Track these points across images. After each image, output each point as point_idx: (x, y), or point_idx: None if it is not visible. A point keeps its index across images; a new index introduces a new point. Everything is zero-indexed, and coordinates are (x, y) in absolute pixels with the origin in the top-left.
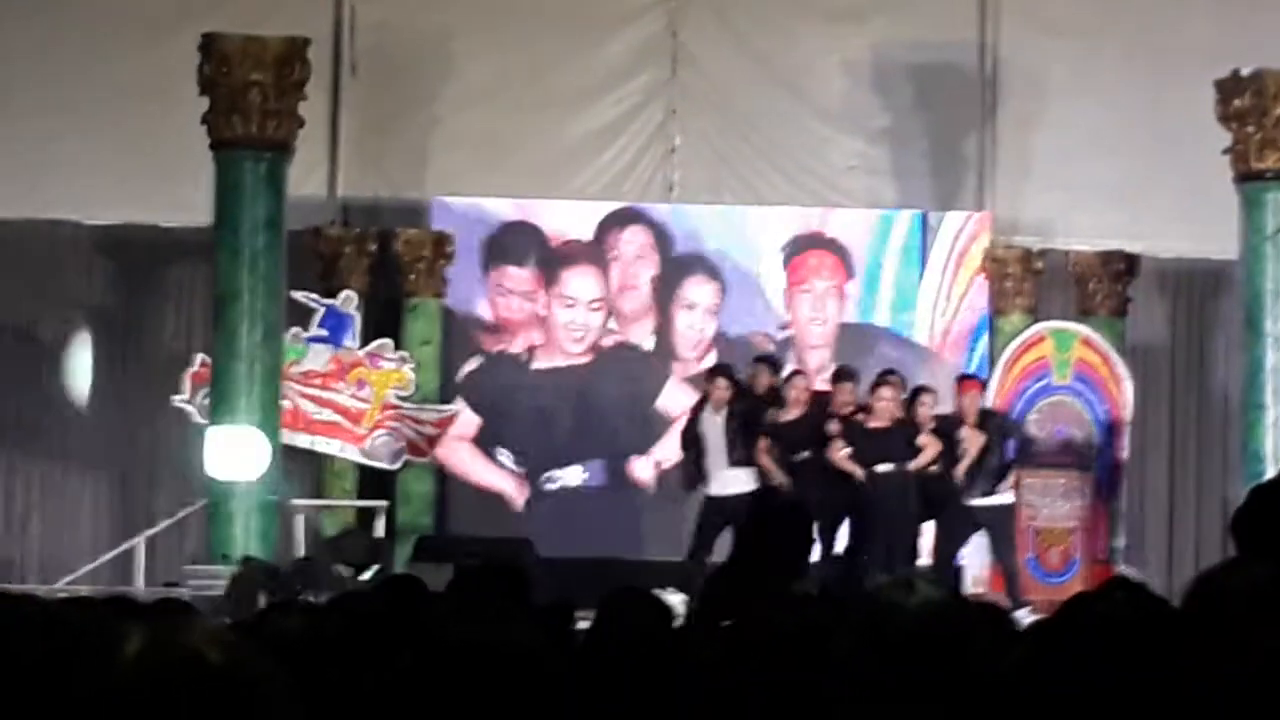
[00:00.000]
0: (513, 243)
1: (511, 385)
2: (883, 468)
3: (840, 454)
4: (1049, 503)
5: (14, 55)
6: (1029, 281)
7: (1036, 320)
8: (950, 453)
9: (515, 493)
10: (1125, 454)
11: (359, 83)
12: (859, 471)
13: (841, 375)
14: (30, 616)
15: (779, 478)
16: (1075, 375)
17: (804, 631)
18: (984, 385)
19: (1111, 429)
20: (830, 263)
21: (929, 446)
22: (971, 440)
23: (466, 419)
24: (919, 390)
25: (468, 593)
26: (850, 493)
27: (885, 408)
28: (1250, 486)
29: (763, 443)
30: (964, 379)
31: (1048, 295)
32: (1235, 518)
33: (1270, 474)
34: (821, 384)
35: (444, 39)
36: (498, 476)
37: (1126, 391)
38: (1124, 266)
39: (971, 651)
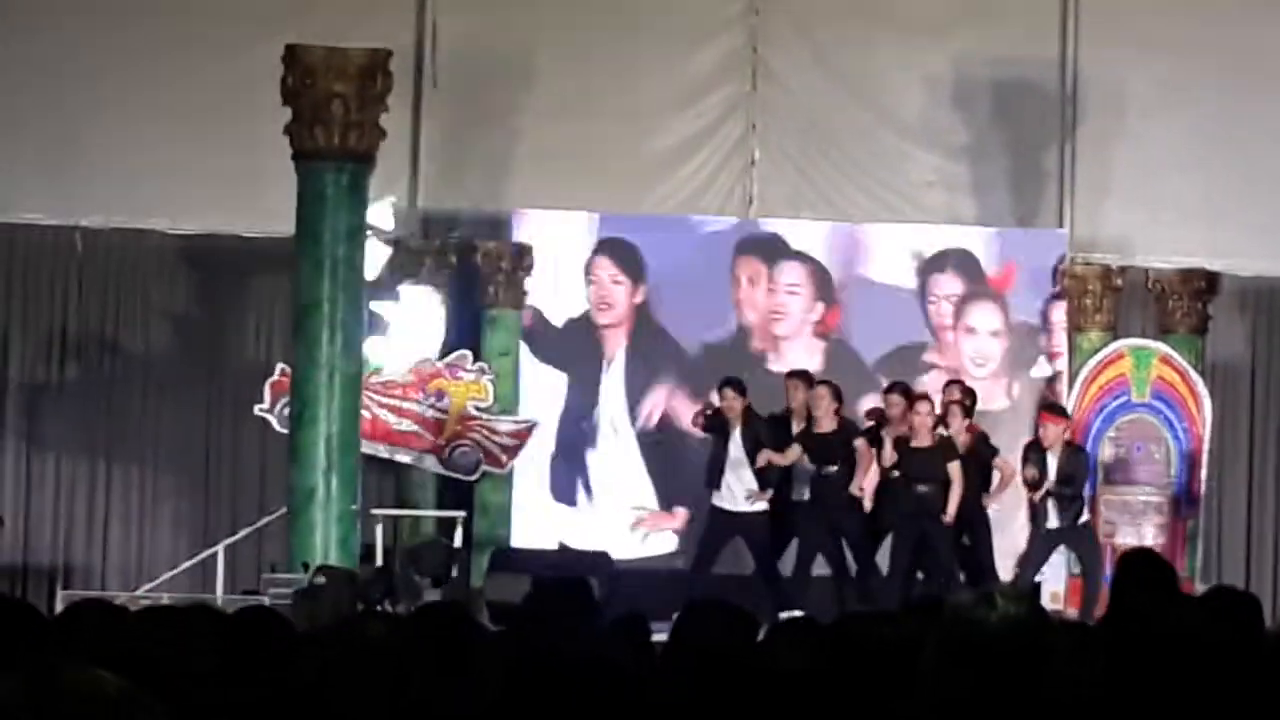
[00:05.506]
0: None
1: None
2: (922, 488)
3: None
4: (1127, 520)
5: (102, 66)
6: (1108, 298)
7: (1115, 338)
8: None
9: None
10: (1204, 472)
11: (440, 95)
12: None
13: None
14: None
15: (781, 459)
16: (1154, 393)
17: (895, 646)
18: (1067, 417)
19: (1190, 447)
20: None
21: (957, 477)
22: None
23: None
24: (918, 398)
25: (543, 605)
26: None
27: (922, 423)
28: None
29: (767, 455)
30: (1046, 410)
31: (1127, 312)
32: None
33: None
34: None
35: (525, 52)
36: None
37: (1205, 410)
38: (1204, 284)
39: (1051, 668)
